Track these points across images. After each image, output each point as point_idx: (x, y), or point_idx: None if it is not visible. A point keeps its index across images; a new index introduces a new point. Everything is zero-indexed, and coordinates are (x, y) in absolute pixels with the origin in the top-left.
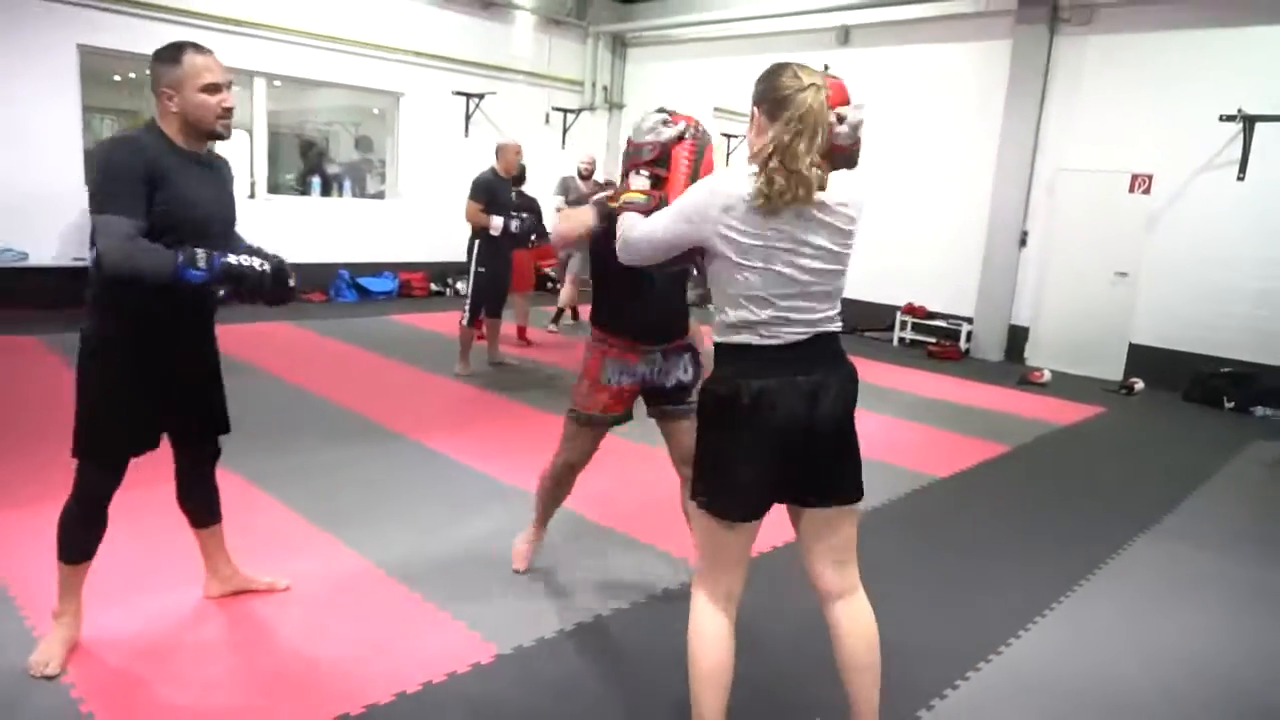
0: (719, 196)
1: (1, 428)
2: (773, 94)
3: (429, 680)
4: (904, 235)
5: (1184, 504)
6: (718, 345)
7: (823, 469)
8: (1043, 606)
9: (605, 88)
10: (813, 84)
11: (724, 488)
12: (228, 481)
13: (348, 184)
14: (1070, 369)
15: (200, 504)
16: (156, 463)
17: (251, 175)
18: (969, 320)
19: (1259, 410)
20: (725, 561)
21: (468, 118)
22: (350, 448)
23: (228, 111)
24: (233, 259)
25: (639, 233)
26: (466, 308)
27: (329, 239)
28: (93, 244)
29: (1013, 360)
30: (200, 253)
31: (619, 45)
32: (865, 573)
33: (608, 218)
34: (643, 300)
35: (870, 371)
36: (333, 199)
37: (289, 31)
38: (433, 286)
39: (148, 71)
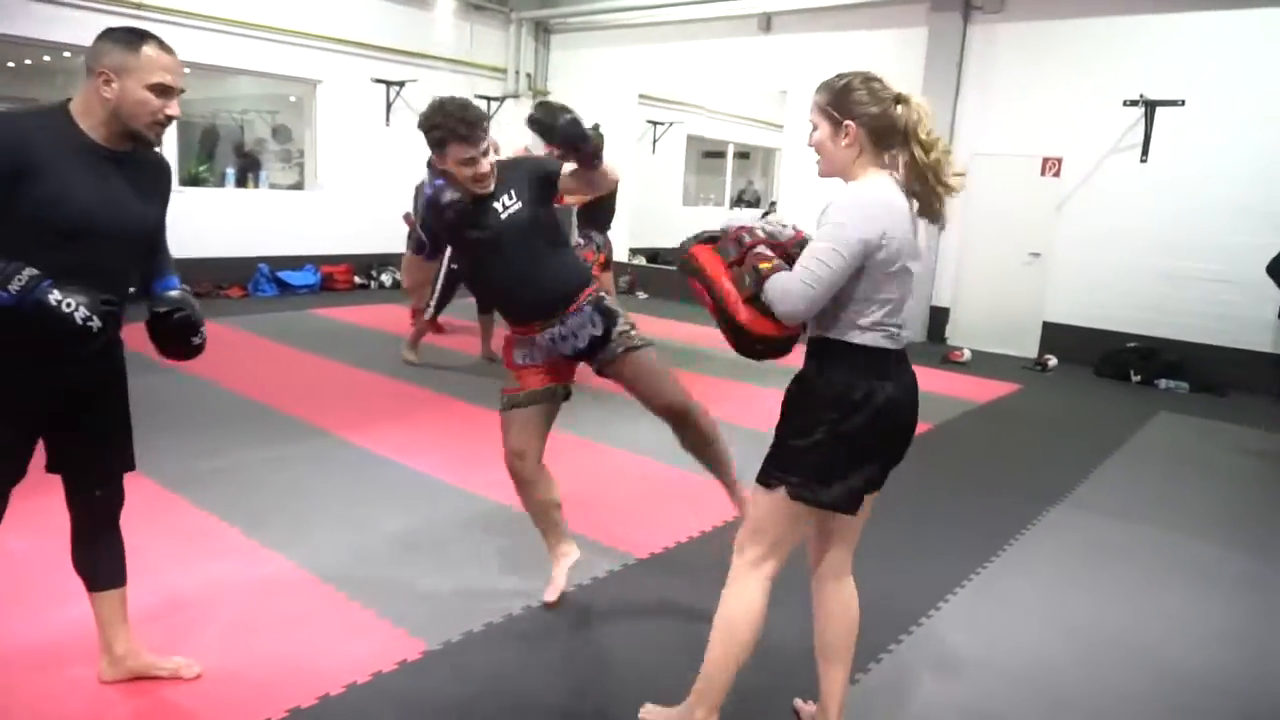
0: (881, 217)
1: None
2: (873, 112)
3: (354, 681)
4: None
5: (1094, 474)
6: (832, 341)
7: (890, 465)
8: (960, 579)
9: (529, 75)
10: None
11: (833, 483)
12: (142, 486)
13: (264, 175)
14: (989, 348)
15: (97, 561)
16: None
17: None
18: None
19: (1163, 383)
20: (787, 545)
21: (389, 106)
22: (271, 447)
23: (167, 120)
24: (53, 296)
25: (801, 286)
26: (434, 301)
27: (247, 232)
28: None
29: (934, 340)
30: (23, 274)
31: (542, 32)
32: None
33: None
34: (509, 288)
35: (796, 352)
36: (249, 190)
37: (200, 17)
38: (356, 279)
39: (46, 57)
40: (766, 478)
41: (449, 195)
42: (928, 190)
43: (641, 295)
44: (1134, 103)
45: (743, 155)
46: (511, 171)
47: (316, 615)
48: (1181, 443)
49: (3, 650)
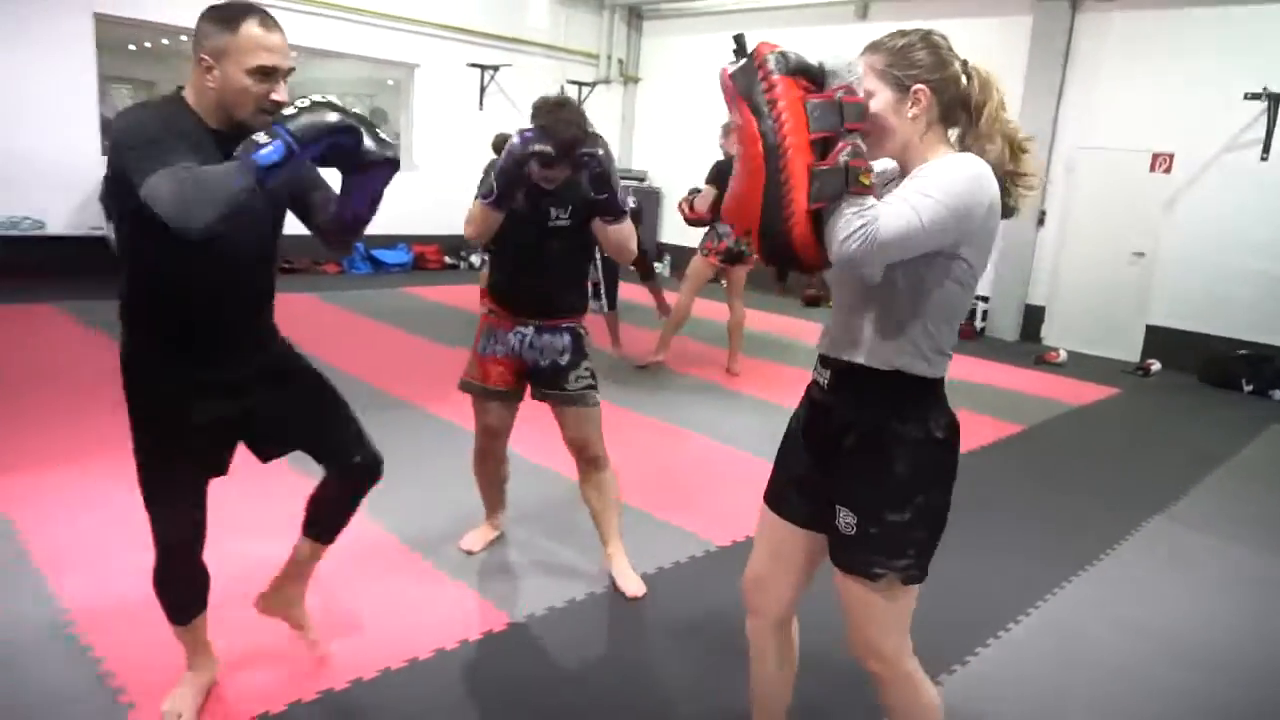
0: (987, 192)
1: (29, 392)
2: (945, 78)
3: (441, 647)
4: None
5: (1199, 488)
6: (907, 376)
7: None
8: (1048, 588)
9: (621, 61)
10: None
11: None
12: (242, 450)
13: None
14: (1086, 349)
15: (327, 513)
16: None
17: None
18: (984, 299)
19: (1277, 394)
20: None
21: (483, 90)
22: (364, 417)
23: (274, 106)
24: (294, 110)
25: (897, 228)
26: (604, 295)
27: None
28: (122, 226)
29: (1028, 340)
30: (256, 139)
31: (635, 18)
32: None
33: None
34: (519, 268)
35: None
36: None
37: (305, 1)
38: (446, 259)
39: (164, 41)
40: (892, 567)
41: (539, 145)
42: (1000, 182)
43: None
44: (1256, 96)
45: None
46: (575, 188)
47: (407, 582)
48: None
49: (109, 597)
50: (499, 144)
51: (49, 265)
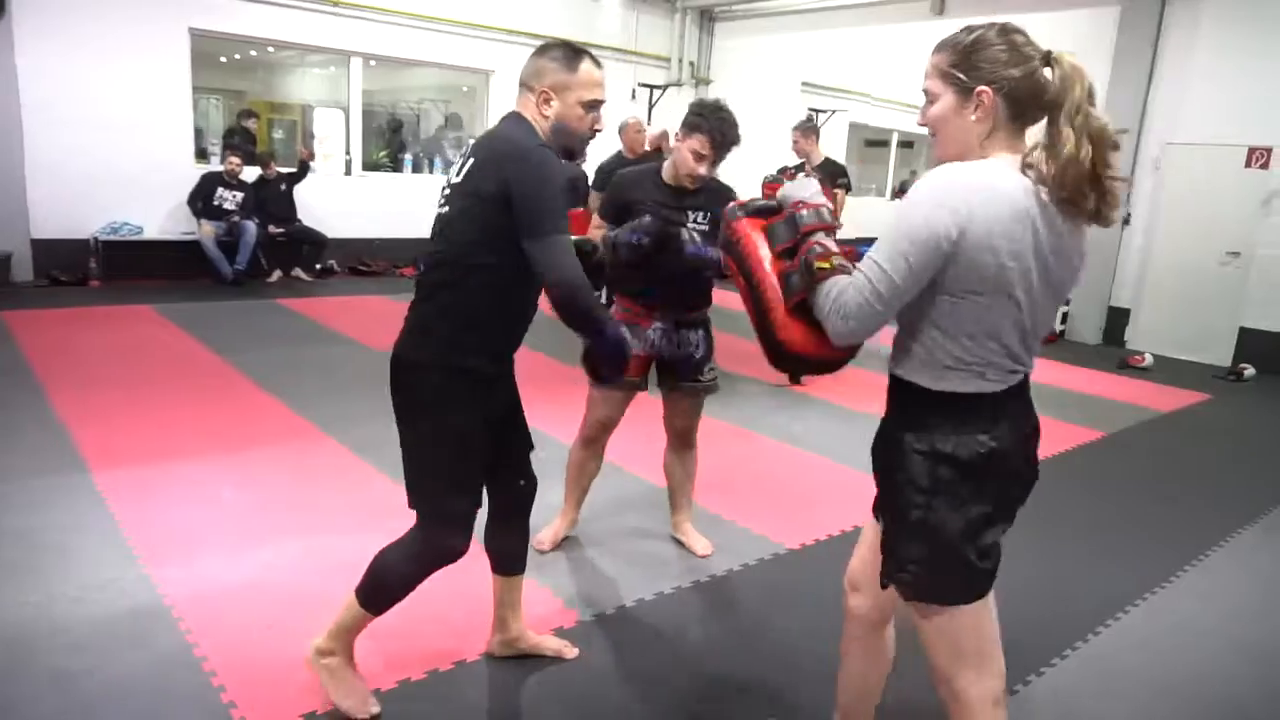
0: (945, 223)
1: (126, 389)
2: (1015, 75)
3: None
4: None
5: None
6: (914, 387)
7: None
8: (1134, 596)
9: (692, 63)
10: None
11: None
12: (336, 451)
13: (438, 161)
14: (1174, 353)
15: (508, 546)
16: (267, 421)
17: (348, 153)
18: (1065, 301)
19: None
20: (994, 646)
21: None
22: None
23: (595, 134)
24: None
25: (857, 303)
26: None
27: (421, 214)
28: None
29: (1111, 343)
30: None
31: (706, 20)
32: None
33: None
34: (667, 268)
35: None
36: (424, 175)
37: (385, 11)
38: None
39: (252, 53)
40: (889, 575)
41: (636, 237)
42: (1078, 185)
43: None
44: None
45: (906, 144)
46: (713, 195)
47: (482, 580)
48: None
49: (235, 528)
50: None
51: (146, 268)
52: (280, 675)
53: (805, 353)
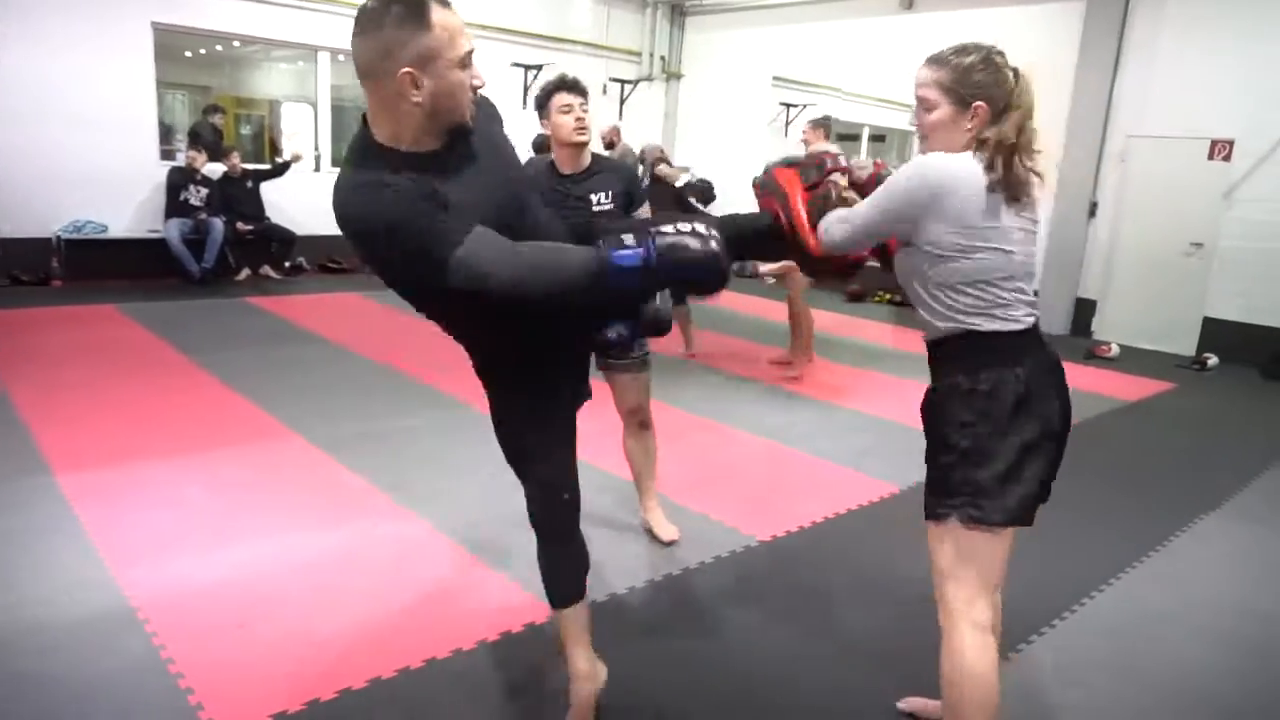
0: (928, 180)
1: (91, 390)
2: (1000, 91)
3: (484, 638)
4: None
5: (1256, 482)
6: (943, 337)
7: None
8: (1098, 583)
9: (663, 58)
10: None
11: (1010, 490)
12: (302, 448)
13: None
14: (1139, 343)
15: (558, 575)
16: (236, 420)
17: (317, 149)
18: (1034, 292)
19: None
20: (990, 578)
21: (526, 89)
22: (416, 415)
23: (475, 91)
24: (671, 230)
25: (841, 230)
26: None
27: None
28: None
29: (1078, 334)
30: (617, 233)
31: (677, 14)
32: (903, 548)
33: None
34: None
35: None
36: None
37: (353, 6)
38: None
39: (218, 47)
40: (946, 512)
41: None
42: (1016, 169)
43: (770, 280)
44: None
45: (878, 138)
46: (612, 172)
47: (451, 575)
48: None
49: (203, 530)
50: (540, 145)
51: (110, 267)
52: (250, 675)
53: (825, 257)
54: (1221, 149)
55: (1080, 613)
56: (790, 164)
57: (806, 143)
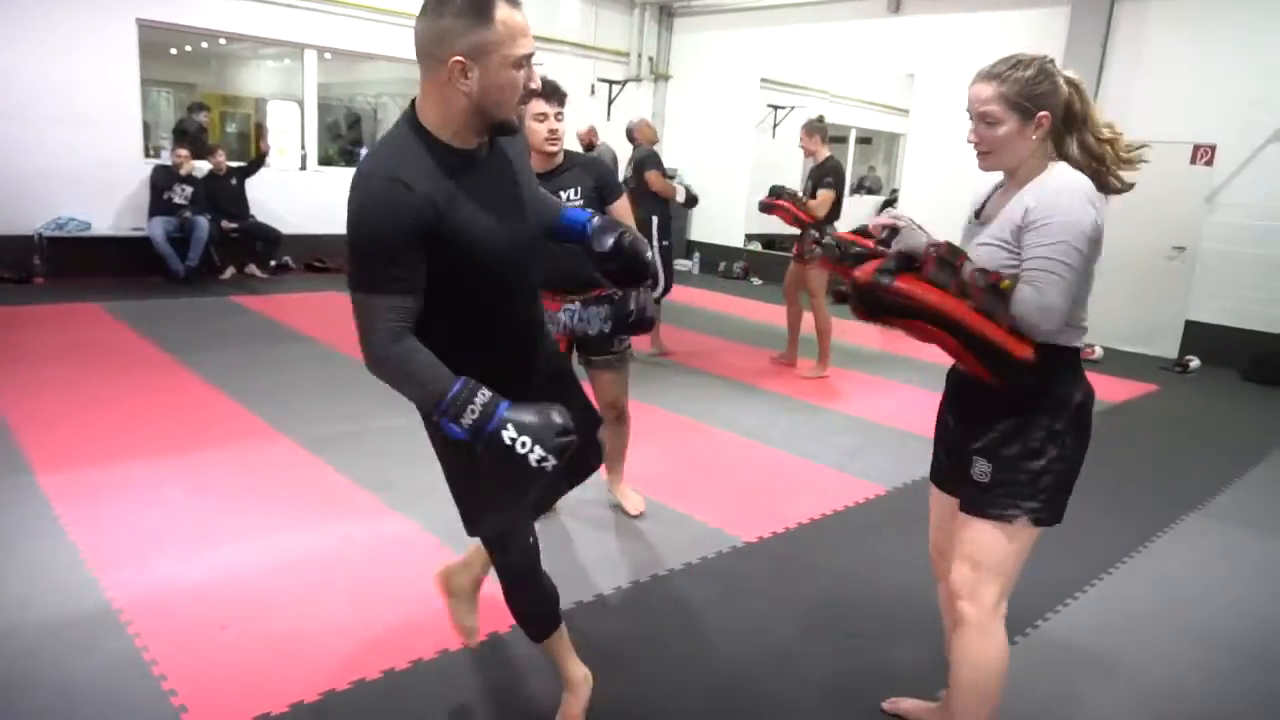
0: (1093, 201)
1: (73, 390)
2: (1056, 100)
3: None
4: (954, 210)
5: (1237, 483)
6: (1058, 349)
7: None
8: (1083, 583)
9: (651, 59)
10: None
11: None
12: (289, 448)
13: None
14: (1122, 345)
15: (529, 609)
16: (220, 420)
17: (303, 148)
18: None
19: None
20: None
21: None
22: (399, 415)
23: (529, 95)
24: (507, 435)
25: (1061, 291)
26: (662, 282)
27: None
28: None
29: None
30: (476, 401)
31: (665, 15)
32: (891, 548)
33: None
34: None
35: (920, 346)
36: None
37: (340, 4)
38: None
39: (203, 44)
40: (1014, 510)
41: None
42: (1107, 171)
43: (756, 281)
44: None
45: (865, 140)
46: (585, 168)
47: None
48: None
49: (186, 531)
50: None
51: (94, 265)
52: (234, 676)
53: (1027, 356)
54: (1204, 154)
55: (1064, 612)
56: (899, 268)
57: (805, 150)
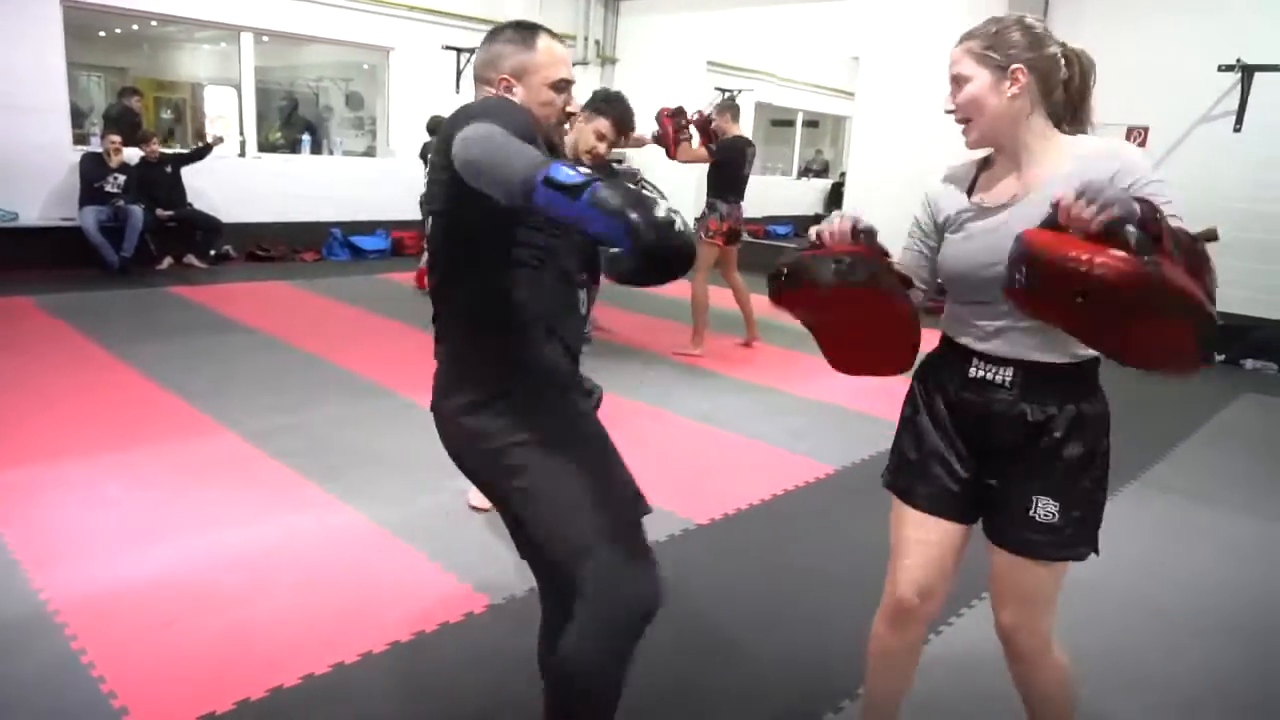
0: None
1: (12, 383)
2: (1041, 60)
3: (421, 630)
4: (892, 190)
5: (1172, 454)
6: (1087, 363)
7: None
8: None
9: (598, 42)
10: None
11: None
12: (229, 440)
13: (339, 141)
14: None
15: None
16: (159, 415)
17: (241, 133)
18: None
19: (1249, 363)
20: None
21: (458, 73)
22: (345, 405)
23: (568, 117)
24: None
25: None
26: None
27: (320, 197)
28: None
29: None
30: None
31: None
32: (841, 528)
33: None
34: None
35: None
36: (323, 157)
37: None
38: (425, 245)
39: (134, 27)
40: (1074, 549)
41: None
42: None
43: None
44: (1229, 68)
45: (811, 124)
46: (614, 177)
47: (387, 567)
48: (1266, 424)
49: (128, 528)
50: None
51: (23, 258)
52: (176, 675)
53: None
54: (1137, 136)
55: None
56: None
57: (718, 128)
